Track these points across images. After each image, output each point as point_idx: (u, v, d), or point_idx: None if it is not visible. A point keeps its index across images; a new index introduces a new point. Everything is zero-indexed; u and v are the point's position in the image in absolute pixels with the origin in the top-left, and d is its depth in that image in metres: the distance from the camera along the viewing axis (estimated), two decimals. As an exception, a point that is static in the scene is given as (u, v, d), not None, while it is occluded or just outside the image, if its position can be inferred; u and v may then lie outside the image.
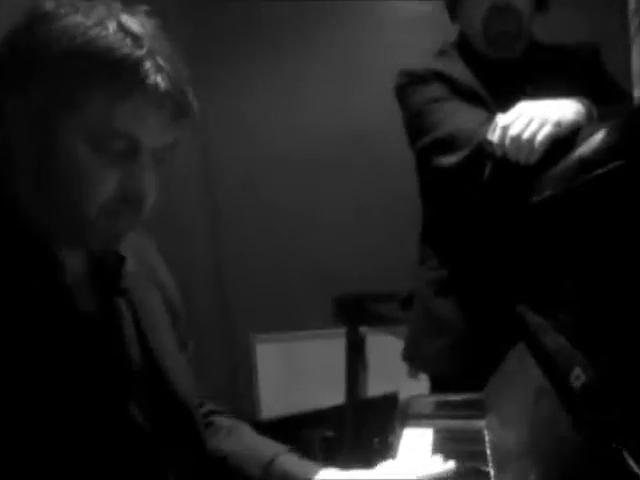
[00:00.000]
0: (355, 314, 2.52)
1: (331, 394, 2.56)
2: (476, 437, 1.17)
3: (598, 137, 0.70)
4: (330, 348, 2.70)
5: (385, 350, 2.41)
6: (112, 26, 0.73)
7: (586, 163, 0.74)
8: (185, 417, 0.91)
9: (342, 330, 2.55)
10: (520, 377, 1.06)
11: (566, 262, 0.88)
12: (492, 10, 1.45)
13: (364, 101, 2.98)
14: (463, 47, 1.58)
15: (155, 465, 0.83)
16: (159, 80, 0.73)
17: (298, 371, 2.91)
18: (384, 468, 0.97)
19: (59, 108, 0.73)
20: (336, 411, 2.55)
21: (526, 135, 1.19)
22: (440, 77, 1.50)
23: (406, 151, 1.60)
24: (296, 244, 3.03)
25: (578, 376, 0.56)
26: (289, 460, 0.96)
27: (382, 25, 3.04)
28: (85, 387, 0.76)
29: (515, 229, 1.26)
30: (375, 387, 2.61)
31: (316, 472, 0.94)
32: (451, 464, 0.95)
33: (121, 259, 0.86)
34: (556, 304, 0.92)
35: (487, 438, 1.13)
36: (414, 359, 1.66)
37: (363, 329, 2.56)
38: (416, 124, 1.50)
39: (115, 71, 0.72)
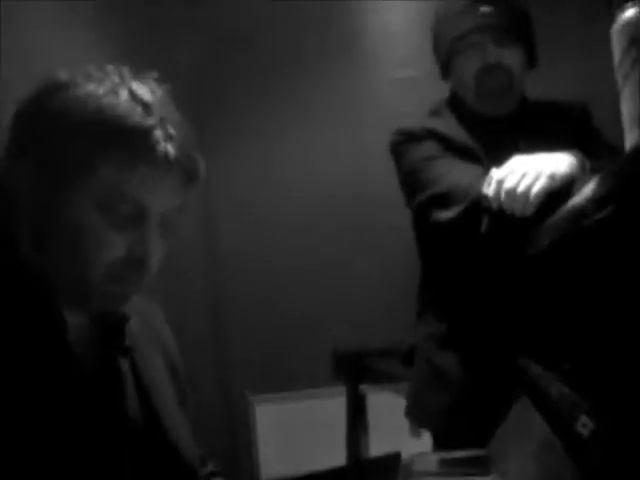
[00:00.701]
0: (355, 371, 2.50)
1: (332, 454, 2.51)
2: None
3: (590, 187, 0.72)
4: (330, 407, 2.67)
5: (387, 408, 2.38)
6: (124, 94, 0.76)
7: (579, 212, 0.75)
8: (184, 474, 0.89)
9: (342, 389, 2.53)
10: (524, 432, 1.05)
11: (566, 312, 0.89)
12: (484, 68, 1.49)
13: (361, 162, 3.04)
14: (455, 105, 1.62)
15: None
16: (169, 148, 0.76)
17: (298, 431, 2.86)
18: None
19: (69, 173, 0.75)
20: (337, 472, 2.49)
21: (521, 188, 1.21)
22: (434, 135, 1.54)
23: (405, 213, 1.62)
24: (294, 303, 3.02)
25: (585, 424, 0.56)
26: None
27: (377, 85, 3.12)
28: (81, 445, 0.75)
29: (513, 282, 1.26)
30: (377, 447, 2.56)
31: None
32: None
33: (125, 318, 0.86)
34: (559, 355, 0.92)
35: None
36: (416, 415, 1.64)
37: (363, 387, 2.53)
38: (411, 182, 1.53)
39: (126, 139, 0.74)
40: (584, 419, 0.57)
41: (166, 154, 0.75)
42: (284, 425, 2.93)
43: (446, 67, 1.61)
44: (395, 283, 2.55)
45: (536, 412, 0.99)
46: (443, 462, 1.35)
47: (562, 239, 0.80)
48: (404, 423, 2.43)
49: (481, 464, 1.26)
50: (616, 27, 0.78)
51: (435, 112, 1.66)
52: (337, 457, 2.53)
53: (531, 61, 1.59)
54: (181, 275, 2.73)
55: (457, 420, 1.49)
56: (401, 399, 1.81)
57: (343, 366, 2.52)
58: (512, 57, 1.50)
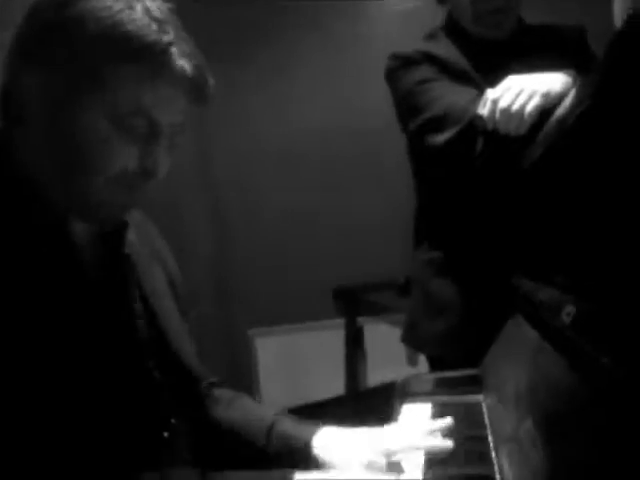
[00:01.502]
0: (353, 304, 2.53)
1: (331, 384, 2.56)
2: (474, 409, 1.18)
3: (570, 95, 0.72)
4: (329, 339, 2.71)
5: (384, 339, 2.42)
6: (139, 10, 0.77)
7: (563, 121, 0.75)
8: (187, 378, 0.92)
9: (340, 321, 2.56)
10: (516, 344, 1.06)
11: (560, 224, 0.89)
12: None
13: (361, 97, 3.01)
14: (451, 29, 1.59)
15: (161, 411, 0.85)
16: (185, 65, 0.77)
17: (298, 363, 2.92)
18: (384, 431, 0.98)
19: (85, 84, 0.75)
20: (336, 402, 2.55)
21: (515, 107, 1.20)
22: (429, 58, 1.51)
23: (401, 144, 1.61)
24: (293, 238, 3.04)
25: (569, 312, 0.57)
26: (289, 423, 0.97)
27: (375, 20, 3.07)
28: (95, 343, 0.77)
29: (508, 200, 1.27)
30: (375, 377, 2.61)
31: (315, 432, 0.95)
32: (448, 421, 0.98)
33: (124, 225, 0.87)
34: (552, 269, 0.93)
35: (485, 406, 1.13)
36: (413, 340, 1.66)
37: (361, 319, 2.57)
38: (407, 105, 1.51)
39: (144, 55, 0.75)
40: (569, 308, 0.58)
41: (183, 71, 0.77)
42: (284, 357, 2.98)
43: None
44: (392, 217, 2.56)
45: (527, 325, 1.00)
46: (437, 382, 1.38)
47: (550, 148, 0.80)
48: (401, 353, 2.48)
49: (474, 382, 1.29)
50: None
51: (431, 36, 1.63)
52: (336, 387, 2.59)
53: None
54: (182, 213, 2.73)
55: (453, 343, 1.51)
56: (398, 330, 1.84)
57: (341, 299, 2.55)
58: None
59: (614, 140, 0.61)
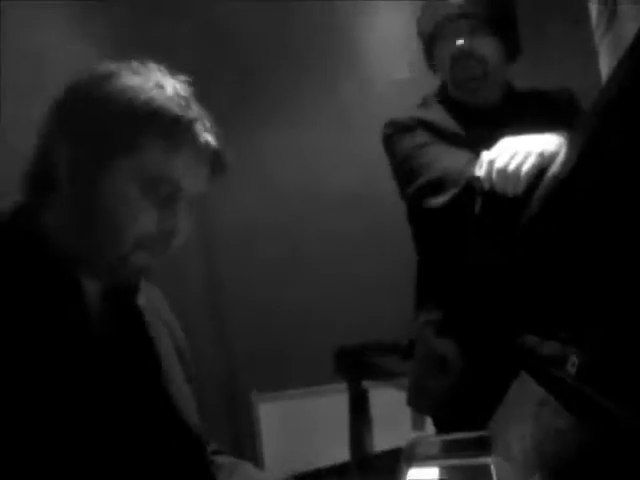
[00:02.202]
0: (356, 367, 2.51)
1: (336, 451, 2.52)
2: (483, 471, 1.16)
3: (562, 152, 0.74)
4: (333, 404, 2.68)
5: (389, 404, 2.39)
6: (169, 89, 0.85)
7: (557, 176, 0.77)
8: (192, 445, 0.91)
9: (344, 385, 2.53)
10: (522, 402, 1.06)
11: (560, 279, 0.91)
12: (456, 55, 1.52)
13: (362, 160, 3.06)
14: (443, 96, 1.64)
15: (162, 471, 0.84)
16: (209, 139, 0.87)
17: (301, 429, 2.87)
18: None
19: (117, 151, 0.81)
20: (341, 468, 2.50)
21: (511, 167, 1.23)
22: (423, 124, 1.56)
23: (401, 208, 1.64)
24: (295, 301, 3.04)
25: (574, 362, 0.58)
26: None
27: (372, 88, 3.16)
28: (96, 404, 0.78)
29: (508, 259, 1.28)
30: (380, 442, 2.57)
31: None
32: None
33: (135, 289, 0.91)
34: (554, 325, 0.94)
35: (493, 467, 1.12)
36: (418, 402, 1.65)
37: (365, 383, 2.54)
38: (404, 170, 1.54)
39: (172, 127, 0.83)
40: (572, 359, 0.59)
41: (207, 144, 0.86)
42: (287, 422, 2.94)
43: (431, 55, 1.64)
44: (396, 279, 2.56)
45: (532, 382, 1.01)
46: (444, 445, 1.36)
47: (545, 205, 0.83)
48: (406, 418, 2.45)
49: (482, 444, 1.27)
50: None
51: (423, 103, 1.68)
52: (341, 453, 2.54)
53: (513, 52, 1.60)
54: (181, 276, 2.74)
55: (458, 404, 1.50)
56: (403, 394, 1.83)
57: (345, 362, 2.53)
58: (486, 46, 1.51)
59: (609, 192, 0.63)
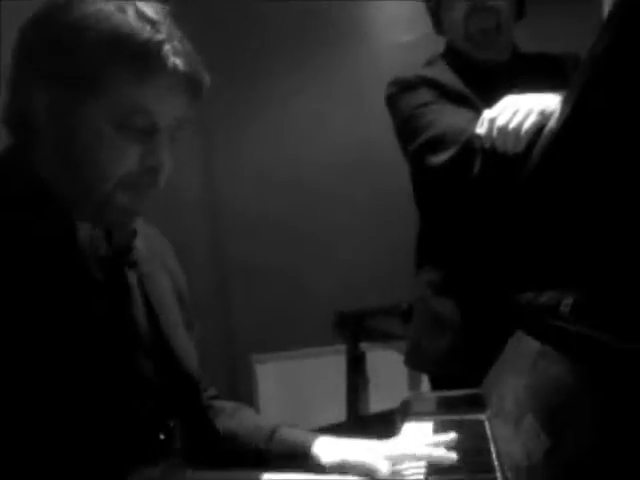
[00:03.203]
0: (355, 330, 2.53)
1: (332, 411, 2.55)
2: (477, 426, 1.17)
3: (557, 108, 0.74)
4: (330, 365, 2.70)
5: (386, 366, 2.42)
6: (131, 12, 0.79)
7: (554, 130, 0.77)
8: (189, 388, 0.92)
9: (342, 347, 2.56)
10: (517, 358, 1.07)
11: (557, 230, 0.91)
12: (471, 9, 1.51)
13: (362, 127, 3.05)
14: (450, 56, 1.63)
15: (161, 414, 0.85)
16: (178, 62, 0.80)
17: (299, 389, 2.90)
18: (385, 442, 0.98)
19: (85, 89, 0.78)
20: (338, 428, 2.53)
21: (512, 125, 1.23)
22: (428, 83, 1.55)
23: (403, 171, 1.64)
24: (296, 264, 3.05)
25: (567, 304, 0.58)
26: (289, 431, 0.98)
27: (379, 51, 3.13)
28: (95, 343, 0.78)
29: (506, 215, 1.28)
30: (376, 403, 2.59)
31: (314, 440, 0.96)
32: (452, 435, 0.97)
33: (133, 233, 0.89)
34: (551, 277, 0.95)
35: (487, 422, 1.13)
36: (416, 362, 1.66)
37: (363, 345, 2.56)
38: (407, 128, 1.54)
39: (138, 54, 0.78)
40: (567, 300, 0.59)
41: (177, 67, 0.79)
42: (285, 383, 2.96)
43: (437, 16, 1.62)
44: (395, 243, 2.57)
45: (527, 339, 1.01)
46: (440, 401, 1.38)
47: (542, 157, 0.83)
48: (403, 380, 2.47)
49: (477, 401, 1.29)
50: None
51: (429, 63, 1.67)
52: (338, 413, 2.57)
53: (520, 11, 1.60)
54: (183, 239, 2.75)
55: (456, 362, 1.51)
56: (400, 357, 1.84)
57: (343, 325, 2.55)
58: None
59: (602, 144, 0.63)
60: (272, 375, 3.00)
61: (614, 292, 0.53)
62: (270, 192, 3.10)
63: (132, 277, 0.90)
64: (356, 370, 2.50)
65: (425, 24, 1.70)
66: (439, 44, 1.70)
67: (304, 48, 3.13)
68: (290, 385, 2.94)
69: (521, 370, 0.95)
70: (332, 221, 3.07)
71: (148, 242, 0.96)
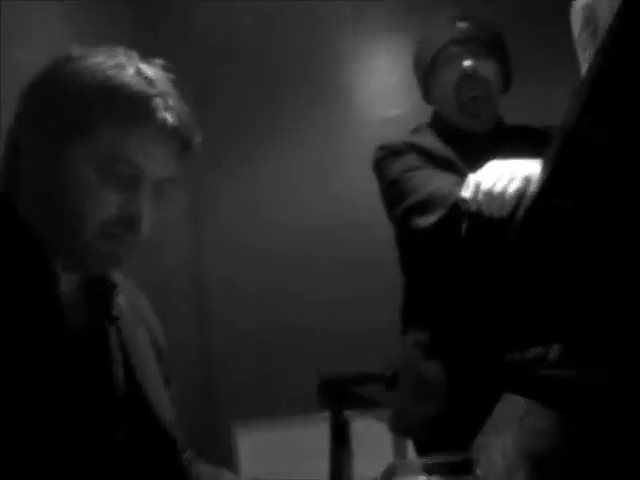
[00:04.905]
0: (338, 397, 2.48)
1: (316, 481, 2.48)
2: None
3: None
4: (313, 434, 2.64)
5: (370, 434, 2.37)
6: (130, 70, 0.82)
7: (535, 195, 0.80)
8: (168, 447, 0.90)
9: (325, 415, 2.51)
10: (505, 418, 1.06)
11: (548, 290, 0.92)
12: (462, 77, 1.56)
13: (347, 193, 3.10)
14: (436, 124, 1.68)
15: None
16: (167, 116, 0.81)
17: (281, 458, 2.82)
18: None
19: (70, 133, 0.79)
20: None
21: (497, 189, 1.26)
22: (414, 148, 1.59)
23: (388, 234, 1.66)
24: (279, 328, 3.03)
25: (555, 350, 0.58)
26: None
27: (364, 121, 3.21)
28: (68, 401, 0.76)
29: (493, 277, 1.29)
30: (361, 473, 2.53)
31: None
32: None
33: (114, 286, 0.88)
34: (540, 333, 0.95)
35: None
36: (402, 427, 1.63)
37: (347, 413, 2.51)
38: (393, 192, 1.56)
39: (127, 103, 0.79)
40: (555, 347, 0.59)
41: (164, 121, 0.81)
42: (267, 452, 2.89)
43: (426, 86, 1.67)
44: (380, 309, 2.56)
45: (514, 401, 1.00)
46: (426, 467, 1.35)
47: (527, 220, 0.84)
48: (388, 450, 2.42)
49: (465, 466, 1.26)
50: (573, 11, 0.85)
51: (416, 130, 1.72)
52: (321, 483, 2.50)
53: (507, 80, 1.66)
54: (167, 299, 2.73)
55: (442, 428, 1.49)
56: (384, 426, 1.81)
57: (327, 392, 2.51)
58: (488, 69, 1.58)
59: (583, 206, 0.65)
60: (253, 443, 2.93)
61: (601, 340, 0.53)
62: (256, 257, 3.11)
63: (111, 330, 0.89)
64: (340, 438, 2.45)
65: (409, 100, 1.77)
66: (420, 119, 1.75)
67: (291, 109, 3.20)
68: (272, 453, 2.87)
69: (508, 431, 0.94)
70: (318, 287, 3.07)
71: (126, 294, 0.95)
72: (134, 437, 0.85)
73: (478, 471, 1.15)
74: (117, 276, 0.92)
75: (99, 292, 0.88)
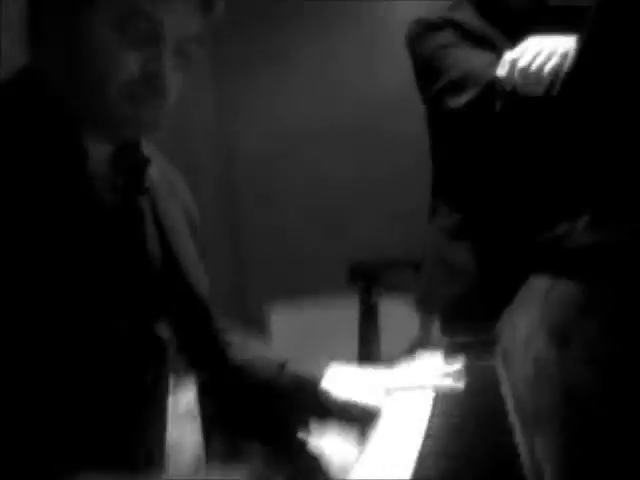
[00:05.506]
0: (369, 281, 2.53)
1: (344, 361, 2.56)
2: (488, 372, 1.17)
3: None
4: (343, 316, 2.71)
5: (398, 317, 2.42)
6: None
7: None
8: (201, 313, 0.93)
9: (355, 298, 2.57)
10: (530, 297, 1.06)
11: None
12: None
13: (379, 72, 3.02)
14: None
15: (168, 352, 0.85)
16: None
17: (311, 338, 2.92)
18: (394, 370, 0.99)
19: None
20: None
21: (534, 66, 1.21)
22: (452, 25, 1.51)
23: (417, 117, 1.62)
24: (311, 212, 3.06)
25: (584, 220, 0.58)
26: (299, 365, 0.99)
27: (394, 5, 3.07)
28: (102, 277, 0.77)
29: (526, 156, 1.27)
30: (388, 355, 2.61)
31: (325, 369, 0.96)
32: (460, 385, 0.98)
33: (146, 160, 0.88)
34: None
35: (498, 367, 1.13)
36: (427, 306, 1.67)
37: (376, 295, 2.57)
38: (427, 70, 1.51)
39: None
40: (584, 218, 0.58)
41: None
42: (298, 331, 2.98)
43: None
44: (412, 194, 2.55)
45: (540, 279, 1.00)
46: (450, 346, 1.38)
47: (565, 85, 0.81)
48: (414, 331, 2.48)
49: (488, 346, 1.28)
50: None
51: (454, 6, 1.64)
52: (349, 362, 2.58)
53: None
54: (197, 181, 2.75)
55: (467, 308, 1.51)
56: (411, 307, 1.84)
57: (357, 275, 2.55)
58: None
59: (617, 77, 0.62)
60: (285, 323, 3.02)
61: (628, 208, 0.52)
62: (287, 141, 3.09)
63: (144, 203, 0.89)
64: (368, 318, 2.51)
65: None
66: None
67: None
68: (303, 332, 2.95)
69: (534, 307, 0.95)
70: (348, 170, 3.05)
71: (160, 170, 0.95)
72: (170, 308, 0.87)
73: (501, 347, 1.18)
74: (149, 150, 0.91)
75: (131, 166, 0.88)
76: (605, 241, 0.54)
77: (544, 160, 1.16)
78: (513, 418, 0.81)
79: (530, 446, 0.66)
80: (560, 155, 0.99)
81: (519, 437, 0.74)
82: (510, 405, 0.87)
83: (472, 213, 1.53)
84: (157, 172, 0.93)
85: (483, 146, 1.44)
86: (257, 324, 3.06)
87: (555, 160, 1.05)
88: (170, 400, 0.85)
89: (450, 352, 1.31)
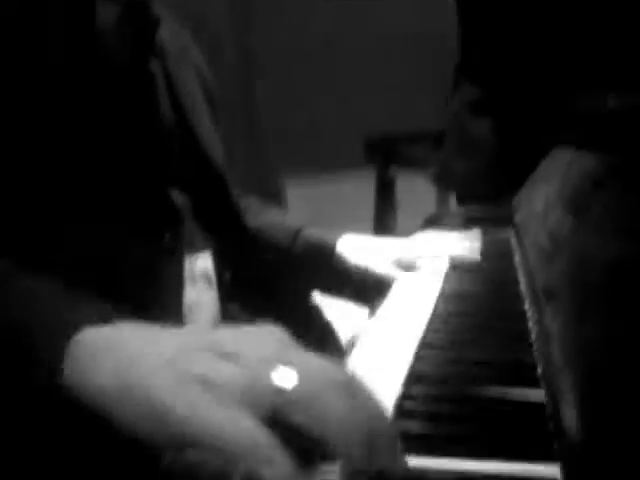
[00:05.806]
0: (386, 155, 2.50)
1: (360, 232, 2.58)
2: (503, 243, 1.18)
3: None
4: (360, 187, 2.70)
5: (415, 191, 2.42)
6: None
7: None
8: (215, 178, 0.92)
9: (372, 171, 2.55)
10: (550, 171, 1.05)
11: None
12: None
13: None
14: None
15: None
16: None
17: (327, 213, 2.94)
18: (411, 241, 1.00)
19: None
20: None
21: None
22: None
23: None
24: (327, 85, 2.99)
25: (612, 96, 0.55)
26: (315, 230, 1.00)
27: None
28: (113, 133, 0.75)
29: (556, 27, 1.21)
30: (404, 230, 2.62)
31: (340, 235, 0.97)
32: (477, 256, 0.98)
33: (157, 21, 0.84)
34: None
35: (513, 238, 1.13)
36: (445, 180, 1.66)
37: (393, 169, 2.54)
38: None
39: None
40: (612, 94, 0.56)
41: None
42: (314, 203, 2.99)
43: None
44: (431, 67, 2.48)
45: (561, 152, 0.98)
46: (467, 218, 1.38)
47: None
48: (431, 205, 2.48)
49: (504, 219, 1.28)
50: None
51: None
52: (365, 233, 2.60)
53: None
54: (214, 47, 2.68)
55: (486, 182, 1.50)
56: (429, 182, 1.83)
57: (374, 149, 2.52)
58: None
59: None
60: (302, 194, 3.02)
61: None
62: (304, 8, 2.98)
63: (156, 66, 0.86)
64: (385, 194, 2.50)
65: None
66: None
67: None
68: (319, 205, 2.96)
69: (552, 181, 0.93)
70: (365, 42, 2.95)
71: (173, 35, 0.91)
72: (184, 173, 0.86)
73: (517, 220, 1.17)
74: (160, 10, 0.87)
75: (140, 26, 0.84)
76: (632, 109, 0.52)
77: (572, 30, 1.11)
78: (524, 287, 0.82)
79: (539, 315, 0.67)
80: (588, 24, 0.94)
81: (528, 306, 0.75)
82: (522, 275, 0.88)
83: (495, 86, 1.48)
84: (169, 34, 0.89)
85: (508, 16, 1.37)
86: (274, 198, 3.07)
87: (583, 30, 1.00)
88: (187, 263, 0.86)
89: (466, 225, 1.32)
